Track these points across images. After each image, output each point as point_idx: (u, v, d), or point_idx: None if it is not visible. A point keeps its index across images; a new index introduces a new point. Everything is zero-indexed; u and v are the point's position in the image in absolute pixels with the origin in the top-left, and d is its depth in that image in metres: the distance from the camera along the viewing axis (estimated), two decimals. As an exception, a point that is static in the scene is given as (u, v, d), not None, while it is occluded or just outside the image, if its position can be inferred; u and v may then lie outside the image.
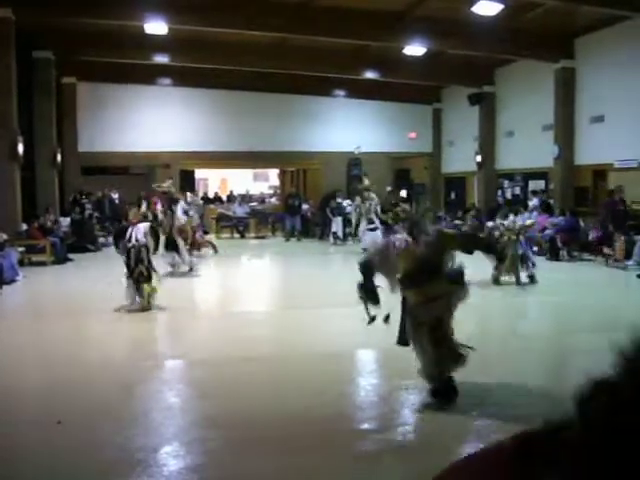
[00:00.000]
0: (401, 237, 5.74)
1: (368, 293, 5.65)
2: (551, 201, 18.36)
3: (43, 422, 5.25)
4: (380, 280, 5.70)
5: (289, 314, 9.95)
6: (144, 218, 10.60)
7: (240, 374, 6.61)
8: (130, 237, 9.76)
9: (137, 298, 9.71)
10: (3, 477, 4.31)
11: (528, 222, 12.63)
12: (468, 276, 5.87)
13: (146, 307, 9.67)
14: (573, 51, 18.05)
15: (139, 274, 9.64)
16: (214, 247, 16.99)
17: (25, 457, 4.63)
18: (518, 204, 19.87)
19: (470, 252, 6.00)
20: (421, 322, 5.53)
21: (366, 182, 18.86)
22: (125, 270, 9.75)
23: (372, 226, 17.15)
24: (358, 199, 18.83)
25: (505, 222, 12.05)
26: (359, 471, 4.43)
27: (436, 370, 5.53)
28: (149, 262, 9.78)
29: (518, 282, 11.70)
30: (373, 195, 18.12)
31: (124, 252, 9.81)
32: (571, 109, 18.17)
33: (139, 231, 9.81)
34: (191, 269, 13.86)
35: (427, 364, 5.54)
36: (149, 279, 9.69)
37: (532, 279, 11.86)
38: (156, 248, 10.33)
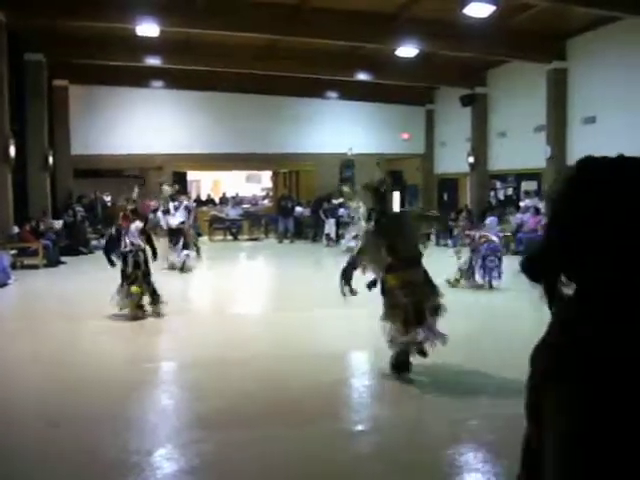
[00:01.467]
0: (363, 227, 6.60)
1: (347, 279, 6.54)
2: (540, 204, 18.33)
3: (38, 426, 5.23)
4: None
5: (283, 316, 9.95)
6: (134, 212, 10.08)
7: (234, 375, 6.60)
8: (126, 243, 9.44)
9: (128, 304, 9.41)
10: (-4, 481, 4.29)
11: (491, 237, 12.33)
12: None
13: (139, 314, 9.39)
14: (565, 52, 18.12)
15: (134, 279, 9.36)
16: (198, 251, 16.45)
17: (20, 461, 4.60)
18: (510, 205, 20.01)
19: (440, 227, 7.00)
20: (397, 304, 6.24)
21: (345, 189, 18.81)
22: (120, 277, 9.45)
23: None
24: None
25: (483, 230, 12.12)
26: (354, 472, 4.43)
27: (401, 347, 6.32)
28: (146, 265, 9.52)
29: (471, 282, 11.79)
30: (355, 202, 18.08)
31: (119, 257, 9.56)
32: (563, 110, 18.24)
33: (132, 234, 9.51)
34: (182, 268, 14.13)
35: (394, 342, 6.32)
36: (141, 284, 9.39)
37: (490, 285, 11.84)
38: (154, 254, 10.07)
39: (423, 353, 6.37)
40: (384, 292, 6.37)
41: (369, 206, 6.58)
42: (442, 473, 4.33)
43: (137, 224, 9.66)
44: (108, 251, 9.80)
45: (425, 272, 6.46)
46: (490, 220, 13.67)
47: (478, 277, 11.81)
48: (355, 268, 6.53)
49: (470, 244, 12.02)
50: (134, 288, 9.35)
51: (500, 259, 11.80)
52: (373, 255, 6.42)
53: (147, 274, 9.53)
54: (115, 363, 7.30)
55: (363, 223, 6.69)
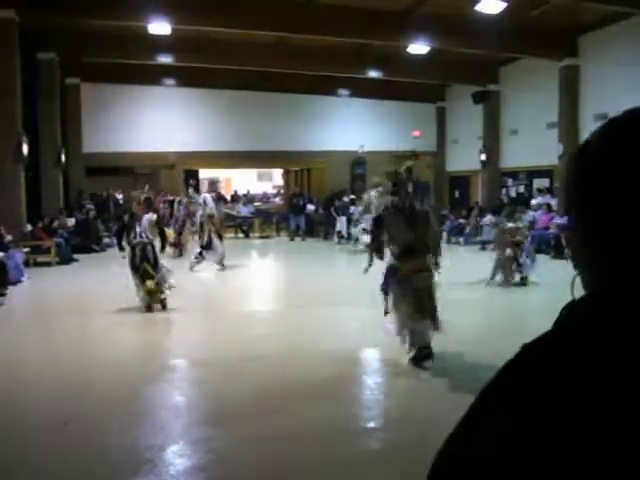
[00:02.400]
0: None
1: (376, 247, 6.93)
2: (553, 201, 18.23)
3: (49, 422, 5.26)
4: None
5: (294, 313, 9.95)
6: (147, 205, 10.26)
7: (245, 372, 6.62)
8: (135, 233, 9.60)
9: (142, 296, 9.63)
10: (10, 476, 4.32)
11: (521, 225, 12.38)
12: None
13: (151, 306, 9.56)
14: (577, 49, 18.02)
15: (144, 272, 9.49)
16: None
17: (32, 457, 4.64)
18: (521, 202, 19.92)
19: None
20: (405, 293, 6.47)
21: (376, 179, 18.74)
22: (130, 269, 9.64)
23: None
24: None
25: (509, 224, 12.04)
26: (366, 468, 4.43)
27: (412, 337, 6.54)
28: (155, 260, 9.65)
29: (507, 282, 11.68)
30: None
31: (129, 247, 9.70)
32: (575, 107, 18.14)
33: (143, 226, 9.65)
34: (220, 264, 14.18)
35: (402, 330, 6.59)
36: (152, 277, 9.50)
37: (523, 281, 11.79)
38: (163, 247, 10.17)
39: (428, 356, 6.52)
40: (396, 280, 6.56)
41: (388, 195, 6.94)
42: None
43: (150, 216, 9.76)
44: (119, 236, 10.00)
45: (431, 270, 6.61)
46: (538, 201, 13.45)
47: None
48: (380, 240, 6.86)
49: (499, 243, 11.98)
50: (149, 284, 9.44)
51: (528, 256, 11.81)
52: (394, 233, 6.67)
53: (156, 264, 9.64)
54: (127, 360, 7.33)
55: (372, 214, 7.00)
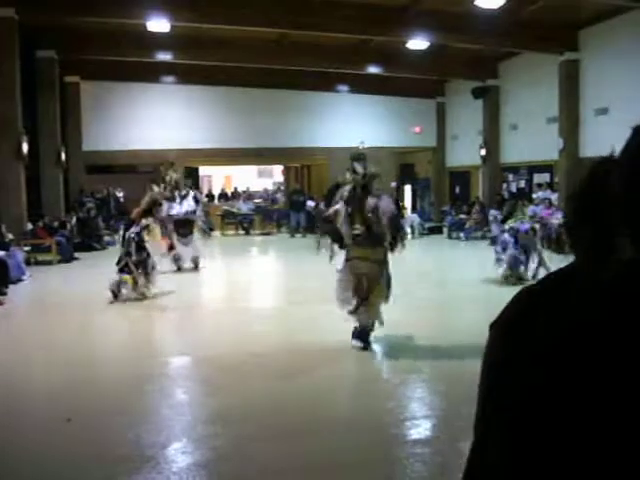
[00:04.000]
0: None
1: (330, 234, 7.50)
2: (553, 196, 18.21)
3: (52, 420, 5.27)
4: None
5: (295, 309, 9.95)
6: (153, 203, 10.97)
7: (247, 370, 6.62)
8: (128, 228, 10.38)
9: (121, 289, 10.08)
10: (13, 473, 4.33)
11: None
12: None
13: (115, 293, 10.05)
14: (577, 43, 17.97)
15: (124, 265, 10.08)
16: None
17: (35, 455, 4.64)
18: (522, 197, 19.89)
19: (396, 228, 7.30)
20: (348, 275, 7.13)
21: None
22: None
23: None
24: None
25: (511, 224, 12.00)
26: (368, 464, 4.43)
27: (363, 318, 7.13)
28: (142, 255, 10.27)
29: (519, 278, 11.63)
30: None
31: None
32: (575, 101, 18.10)
33: (140, 226, 10.35)
34: (196, 265, 13.91)
35: (342, 306, 7.26)
36: (131, 273, 10.09)
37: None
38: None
39: (364, 340, 7.12)
40: (344, 261, 7.23)
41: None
42: (457, 466, 4.32)
43: (145, 221, 10.37)
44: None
45: (385, 259, 7.16)
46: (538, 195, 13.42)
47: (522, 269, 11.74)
48: (330, 221, 7.35)
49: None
50: (124, 277, 10.09)
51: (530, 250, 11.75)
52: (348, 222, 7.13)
53: (142, 261, 10.28)
54: (129, 357, 7.34)
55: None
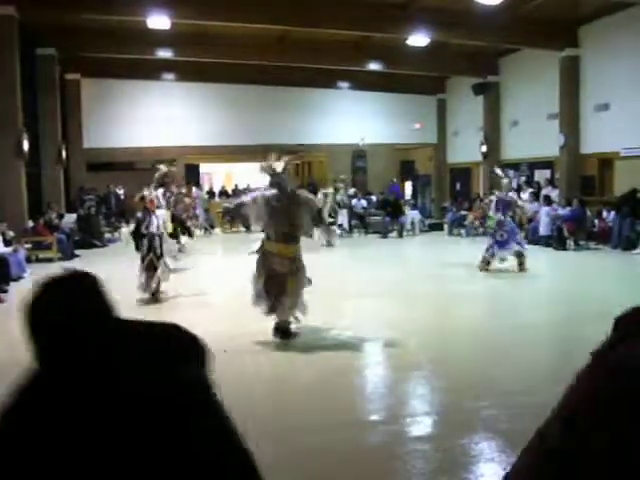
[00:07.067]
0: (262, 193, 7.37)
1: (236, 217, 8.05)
2: (553, 193, 18.19)
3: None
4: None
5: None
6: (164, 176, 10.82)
7: (246, 367, 6.63)
8: (148, 225, 9.86)
9: (148, 285, 9.82)
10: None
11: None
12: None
13: (157, 296, 9.85)
14: (577, 39, 17.97)
15: (149, 262, 9.78)
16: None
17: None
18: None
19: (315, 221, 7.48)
20: (261, 269, 7.31)
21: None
22: (140, 258, 9.90)
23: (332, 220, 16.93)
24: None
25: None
26: (370, 462, 4.44)
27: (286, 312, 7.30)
28: (161, 252, 9.93)
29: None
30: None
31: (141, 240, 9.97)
32: (576, 97, 18.10)
33: (159, 219, 9.97)
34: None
35: (256, 301, 7.41)
36: (156, 269, 9.82)
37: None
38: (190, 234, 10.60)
39: (285, 333, 7.33)
40: (260, 255, 7.38)
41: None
42: (457, 462, 4.33)
43: (163, 211, 10.22)
44: (136, 236, 10.30)
45: (298, 256, 7.34)
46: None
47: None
48: (240, 213, 7.55)
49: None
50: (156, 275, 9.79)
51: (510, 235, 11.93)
52: (258, 215, 7.31)
53: (160, 257, 9.92)
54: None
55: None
